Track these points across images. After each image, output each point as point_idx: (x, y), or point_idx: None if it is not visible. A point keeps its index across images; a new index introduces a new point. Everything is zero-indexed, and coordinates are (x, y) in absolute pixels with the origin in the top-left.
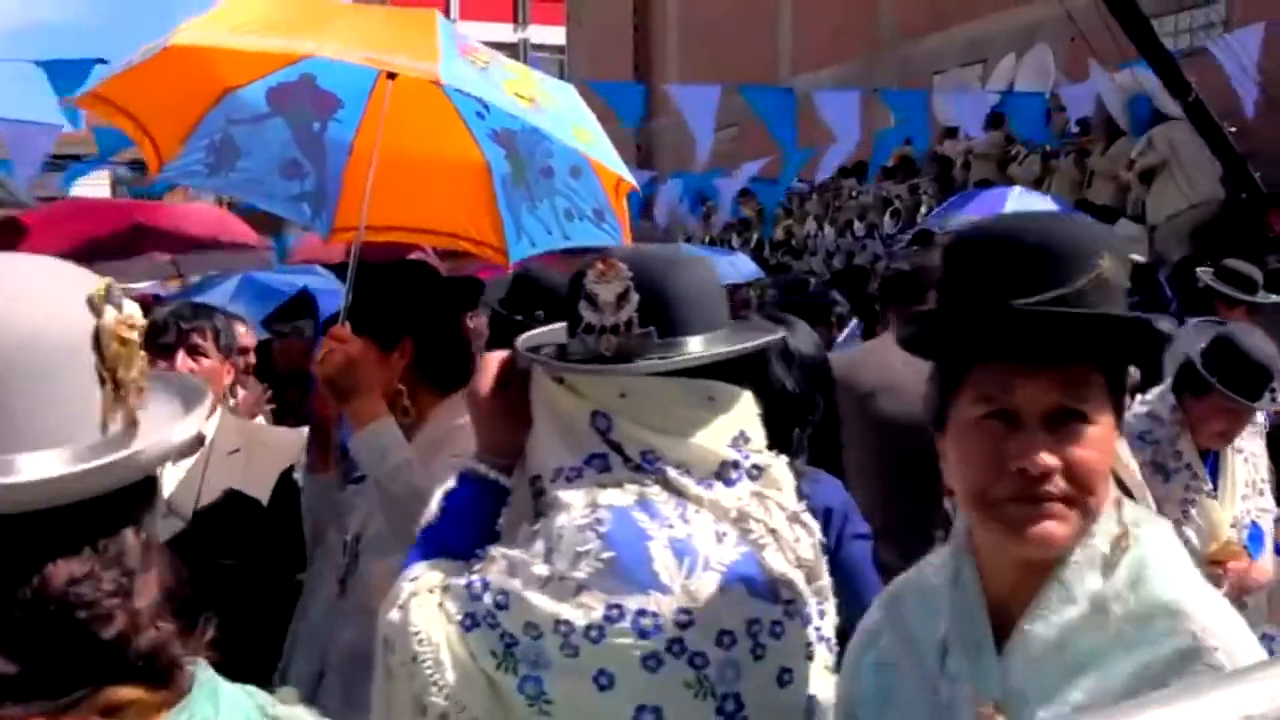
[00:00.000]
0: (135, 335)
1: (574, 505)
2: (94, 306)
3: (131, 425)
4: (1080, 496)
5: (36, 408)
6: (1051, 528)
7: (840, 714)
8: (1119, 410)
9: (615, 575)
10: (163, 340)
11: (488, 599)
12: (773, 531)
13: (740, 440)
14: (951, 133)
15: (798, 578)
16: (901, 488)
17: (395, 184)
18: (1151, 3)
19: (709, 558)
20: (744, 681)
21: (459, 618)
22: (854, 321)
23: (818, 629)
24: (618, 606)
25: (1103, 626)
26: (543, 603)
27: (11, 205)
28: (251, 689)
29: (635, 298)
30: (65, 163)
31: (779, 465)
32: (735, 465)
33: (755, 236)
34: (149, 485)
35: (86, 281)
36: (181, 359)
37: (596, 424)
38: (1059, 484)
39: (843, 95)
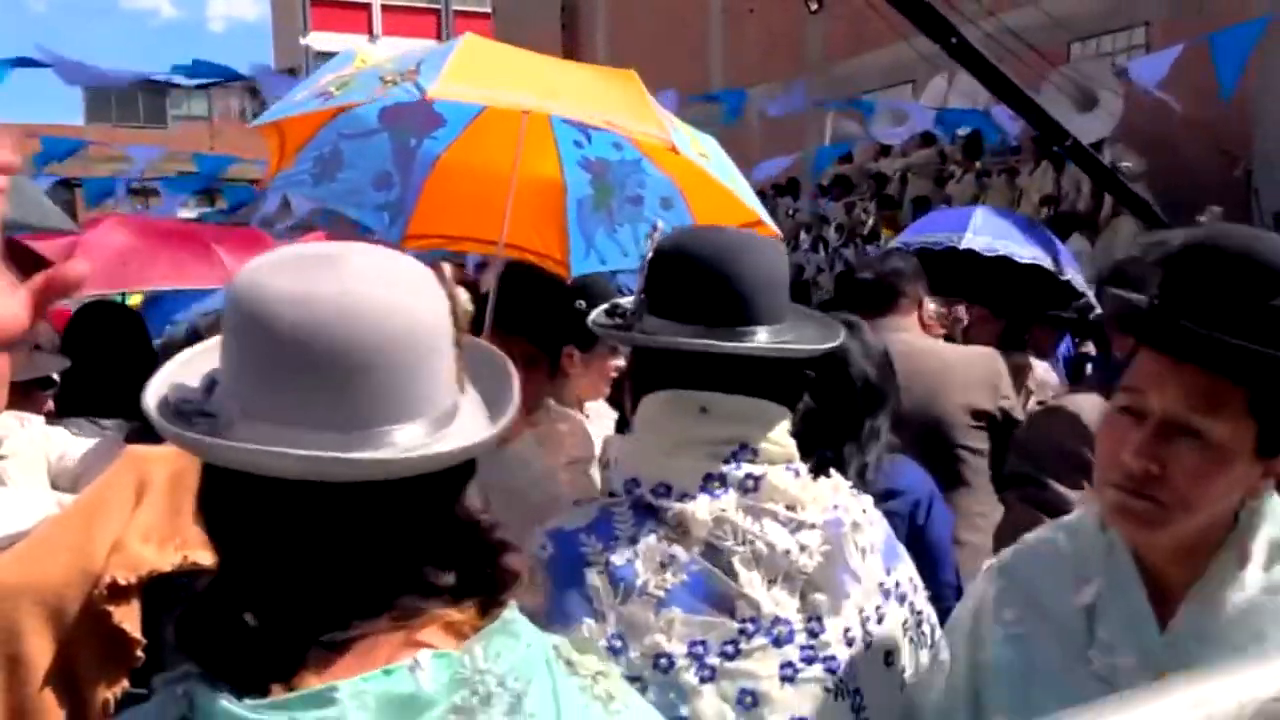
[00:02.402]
0: (470, 306)
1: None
2: (445, 286)
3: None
4: (1172, 504)
5: (433, 378)
6: (1136, 522)
7: (963, 686)
8: (1275, 435)
9: (553, 604)
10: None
11: None
12: (750, 543)
13: (740, 452)
14: (885, 150)
15: (764, 596)
16: None
17: (471, 196)
18: (1076, 26)
19: (647, 583)
20: (693, 704)
21: None
22: None
23: (805, 648)
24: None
25: (1267, 612)
26: None
27: (45, 229)
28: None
29: (645, 273)
30: None
31: (780, 474)
32: (722, 479)
33: None
34: None
35: (423, 265)
36: None
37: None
38: (1156, 488)
39: (791, 104)
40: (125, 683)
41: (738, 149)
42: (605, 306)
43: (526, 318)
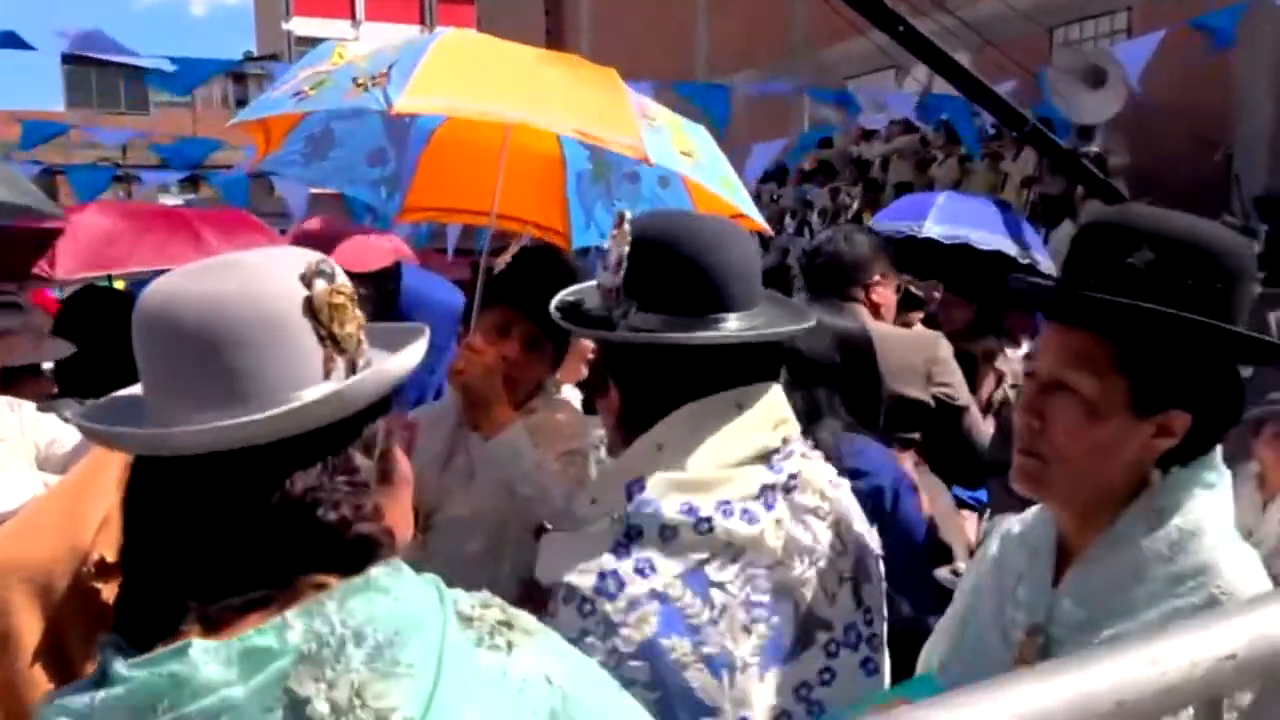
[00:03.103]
0: (343, 299)
1: (606, 636)
2: (305, 280)
3: (353, 372)
4: (1051, 458)
5: (259, 366)
6: (1022, 478)
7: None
8: (1147, 391)
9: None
10: None
11: None
12: (815, 563)
13: (781, 449)
14: (868, 135)
15: (834, 614)
16: None
17: (468, 168)
18: (1057, 12)
19: (742, 657)
20: None
21: None
22: None
23: (870, 639)
24: None
25: (1143, 580)
26: None
27: (37, 215)
28: (437, 581)
29: (625, 265)
30: None
31: (811, 468)
32: (772, 487)
33: None
34: (370, 415)
35: (301, 261)
36: None
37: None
38: (1039, 443)
39: (773, 90)
40: None
41: (727, 136)
42: (557, 304)
43: (538, 299)
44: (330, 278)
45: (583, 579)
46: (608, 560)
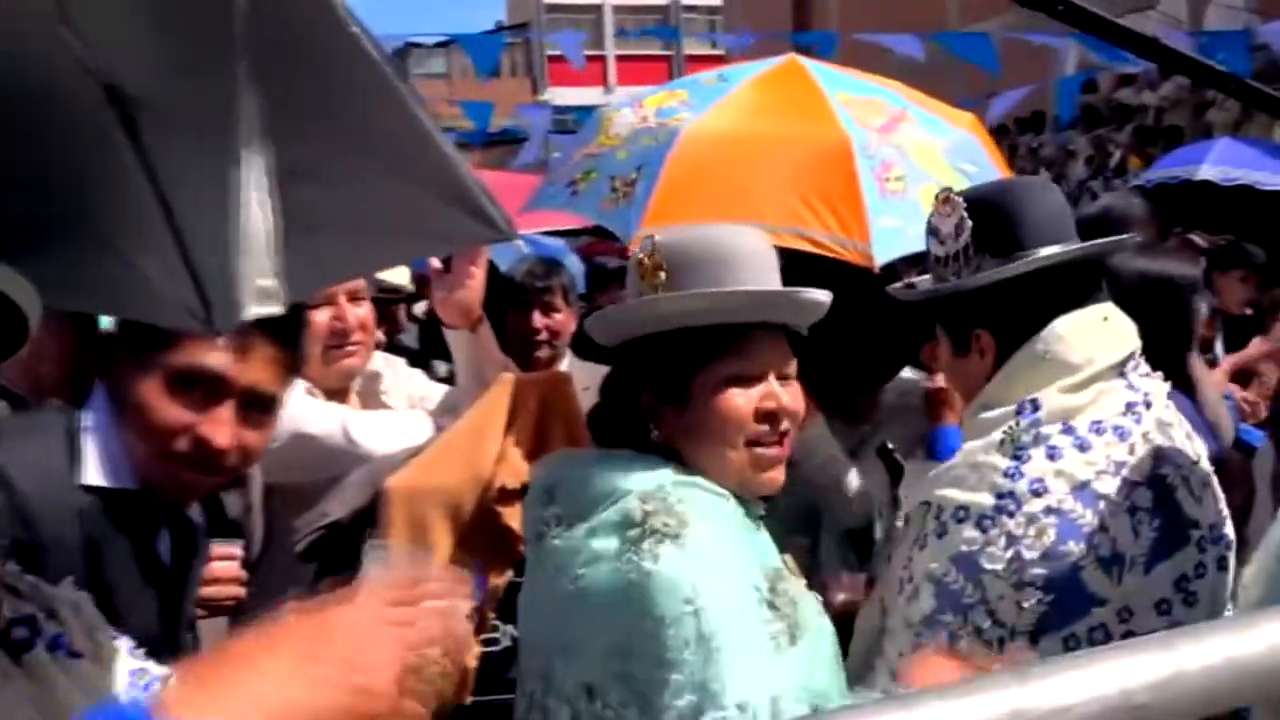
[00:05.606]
0: None
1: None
2: None
3: None
4: None
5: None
6: None
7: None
8: None
9: (1059, 613)
10: (521, 297)
11: None
12: (1181, 469)
13: (1132, 361)
14: (1128, 80)
15: (1202, 513)
16: None
17: (726, 170)
18: None
19: (1134, 555)
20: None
21: None
22: None
23: (1224, 537)
24: (1071, 636)
25: None
26: None
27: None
28: None
29: (969, 225)
30: None
31: (1155, 385)
32: (1133, 405)
33: None
34: None
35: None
36: (536, 316)
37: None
38: None
39: (1034, 38)
40: (510, 573)
41: (975, 84)
42: (895, 292)
43: None
44: None
45: (979, 498)
46: (1003, 482)
